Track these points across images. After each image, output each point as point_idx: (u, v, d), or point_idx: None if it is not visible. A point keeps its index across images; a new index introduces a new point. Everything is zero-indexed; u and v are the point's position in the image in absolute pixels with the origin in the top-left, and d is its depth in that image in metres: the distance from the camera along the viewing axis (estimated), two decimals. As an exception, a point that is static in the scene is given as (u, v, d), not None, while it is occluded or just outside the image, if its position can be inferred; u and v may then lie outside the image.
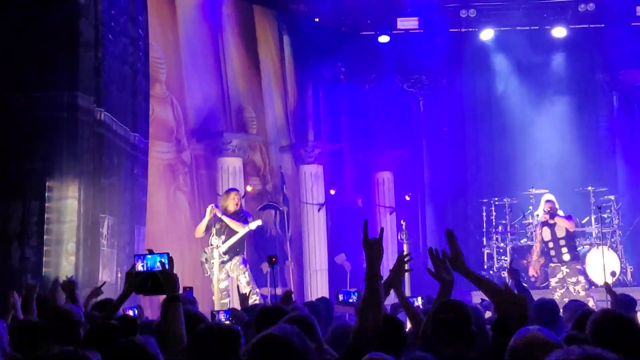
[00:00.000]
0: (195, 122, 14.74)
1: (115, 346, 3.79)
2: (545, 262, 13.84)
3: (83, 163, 9.57)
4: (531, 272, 14.55)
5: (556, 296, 12.86)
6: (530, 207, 15.51)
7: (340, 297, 7.03)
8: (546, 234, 13.57)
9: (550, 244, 13.51)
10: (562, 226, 13.40)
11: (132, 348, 3.74)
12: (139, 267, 4.75)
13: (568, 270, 13.23)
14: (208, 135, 14.75)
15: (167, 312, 4.39)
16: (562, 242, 13.45)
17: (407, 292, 11.56)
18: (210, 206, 12.40)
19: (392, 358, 3.66)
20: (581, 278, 13.26)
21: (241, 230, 12.24)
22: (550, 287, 13.42)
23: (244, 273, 12.17)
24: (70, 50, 9.59)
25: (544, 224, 13.51)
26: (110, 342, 3.99)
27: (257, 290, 12.31)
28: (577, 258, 13.56)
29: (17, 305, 6.35)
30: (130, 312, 7.68)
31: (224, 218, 12.22)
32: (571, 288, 13.17)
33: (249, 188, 14.80)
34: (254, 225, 12.44)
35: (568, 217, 13.58)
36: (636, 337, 3.87)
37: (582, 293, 12.89)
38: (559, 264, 13.35)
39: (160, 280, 4.55)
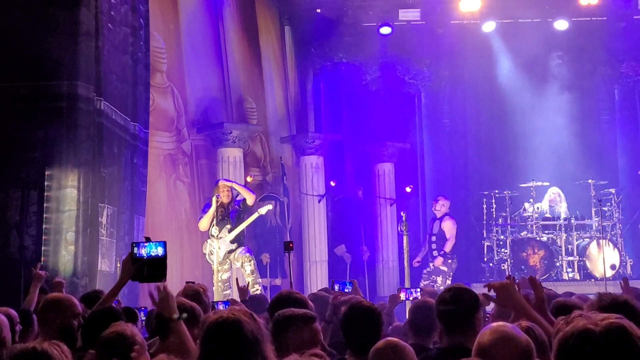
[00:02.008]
0: (196, 113, 14.73)
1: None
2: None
3: (83, 152, 9.57)
4: (531, 262, 14.72)
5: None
6: (531, 200, 15.52)
7: (336, 287, 7.05)
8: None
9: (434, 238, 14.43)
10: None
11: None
12: (142, 252, 4.77)
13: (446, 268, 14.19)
14: (208, 125, 14.74)
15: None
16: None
17: (407, 284, 11.59)
18: (214, 197, 12.29)
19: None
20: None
21: (251, 199, 12.25)
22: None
23: (250, 261, 12.17)
24: (70, 40, 9.58)
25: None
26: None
27: (260, 280, 12.33)
28: None
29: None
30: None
31: (235, 186, 12.19)
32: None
33: (249, 179, 14.80)
34: (264, 210, 12.44)
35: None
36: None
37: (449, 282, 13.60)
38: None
39: (155, 268, 4.58)
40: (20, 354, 3.37)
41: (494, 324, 3.25)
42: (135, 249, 4.72)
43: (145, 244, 4.72)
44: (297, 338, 4.14)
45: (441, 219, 14.45)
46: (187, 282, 6.46)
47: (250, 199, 12.33)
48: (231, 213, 12.30)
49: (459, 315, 4.32)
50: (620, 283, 7.07)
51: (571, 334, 2.45)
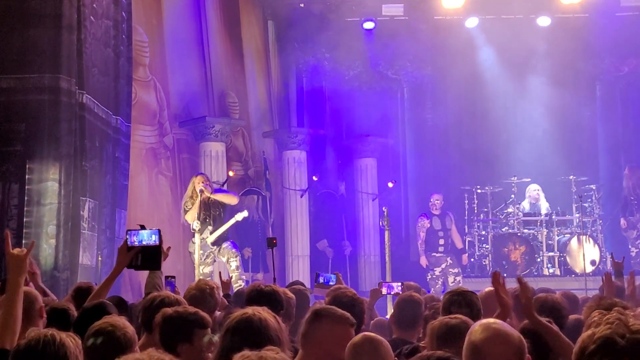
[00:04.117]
0: (178, 107, 14.73)
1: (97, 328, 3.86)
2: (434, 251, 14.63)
3: (64, 146, 9.56)
4: (512, 258, 14.83)
5: (439, 285, 14.15)
6: (512, 196, 15.60)
7: (321, 280, 7.09)
8: (436, 223, 14.58)
9: (440, 234, 14.51)
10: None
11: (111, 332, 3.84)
12: (135, 240, 4.79)
13: (452, 261, 14.44)
14: (191, 119, 14.74)
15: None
16: (449, 233, 14.62)
17: (388, 278, 11.63)
18: (199, 190, 12.14)
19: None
20: (460, 270, 14.51)
21: (234, 200, 12.22)
22: (435, 276, 14.36)
23: (236, 257, 12.14)
24: (52, 32, 9.56)
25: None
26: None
27: (243, 277, 12.33)
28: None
29: None
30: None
31: (213, 196, 12.05)
32: (450, 278, 14.30)
33: (231, 173, 14.81)
34: (240, 216, 12.40)
35: None
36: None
37: (461, 284, 13.68)
38: (443, 254, 14.45)
39: (150, 255, 4.63)
40: (37, 339, 3.38)
41: (485, 321, 3.14)
42: (129, 237, 4.73)
43: (139, 232, 4.74)
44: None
45: (442, 215, 14.65)
46: (166, 277, 6.48)
47: (232, 200, 12.26)
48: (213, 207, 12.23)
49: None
50: (603, 278, 6.94)
51: (596, 338, 2.31)
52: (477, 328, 3.06)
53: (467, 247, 15.48)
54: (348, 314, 4.02)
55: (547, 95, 17.37)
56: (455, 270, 14.37)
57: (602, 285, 6.89)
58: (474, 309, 4.82)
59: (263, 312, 3.56)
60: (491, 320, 3.18)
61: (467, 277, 14.87)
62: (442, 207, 14.74)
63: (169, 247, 5.30)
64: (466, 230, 16.02)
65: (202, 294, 5.47)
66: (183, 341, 4.05)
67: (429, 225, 14.57)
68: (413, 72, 17.56)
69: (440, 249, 14.52)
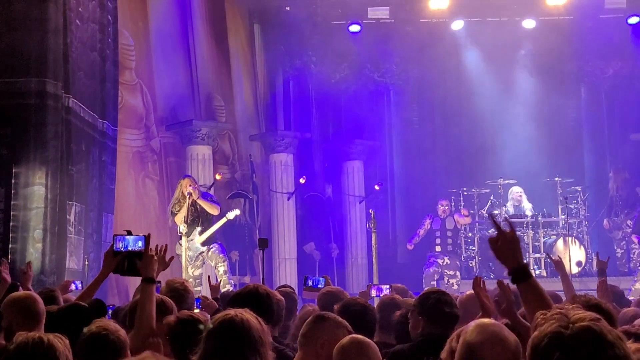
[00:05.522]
0: (165, 110, 14.72)
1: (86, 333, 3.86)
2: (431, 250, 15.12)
3: (50, 150, 9.53)
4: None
5: (432, 283, 14.33)
6: (491, 198, 15.73)
7: (309, 283, 7.09)
8: (436, 223, 15.06)
9: (437, 233, 15.02)
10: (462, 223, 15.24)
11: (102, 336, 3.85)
12: (121, 246, 4.78)
13: (449, 262, 14.83)
14: (177, 123, 14.73)
15: (140, 292, 4.56)
16: (449, 234, 15.01)
17: (375, 280, 11.64)
18: (187, 193, 12.09)
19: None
20: (458, 273, 14.82)
21: (215, 212, 12.19)
22: (429, 274, 14.74)
23: (224, 262, 12.16)
24: (38, 36, 9.54)
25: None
26: (81, 325, 4.02)
27: (231, 281, 12.34)
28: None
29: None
30: (73, 286, 7.73)
31: (200, 202, 12.02)
32: (445, 279, 14.70)
33: (218, 176, 14.81)
34: (232, 215, 12.40)
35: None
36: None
37: (455, 287, 14.16)
38: (440, 254, 14.94)
39: (136, 262, 4.62)
40: (25, 342, 3.39)
41: (479, 321, 3.08)
42: (115, 242, 4.74)
43: (126, 238, 4.74)
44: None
45: (445, 218, 15.11)
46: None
47: (214, 211, 12.25)
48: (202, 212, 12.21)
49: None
50: (599, 285, 6.63)
51: (543, 336, 2.37)
52: (473, 328, 3.00)
53: (463, 250, 15.57)
54: (346, 323, 4.15)
55: (532, 97, 17.44)
56: (451, 272, 14.58)
57: (598, 293, 6.66)
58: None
59: (245, 314, 3.56)
60: (487, 320, 3.13)
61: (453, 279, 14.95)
62: (449, 211, 15.31)
63: (172, 258, 5.21)
64: (454, 233, 16.06)
65: (177, 294, 5.43)
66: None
67: (429, 226, 15.07)
68: (399, 74, 17.57)
69: (438, 248, 15.00)
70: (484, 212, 15.78)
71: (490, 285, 5.07)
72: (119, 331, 3.95)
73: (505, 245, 3.50)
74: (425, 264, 15.00)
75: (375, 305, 5.91)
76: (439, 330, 4.63)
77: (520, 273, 3.44)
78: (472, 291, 4.84)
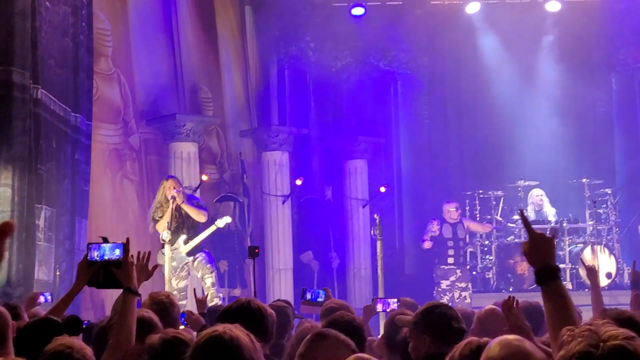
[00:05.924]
0: (145, 103, 14.73)
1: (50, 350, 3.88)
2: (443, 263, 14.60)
3: (17, 147, 9.54)
4: (519, 271, 14.87)
5: (445, 299, 13.75)
6: (501, 201, 15.70)
7: (308, 296, 7.07)
8: (447, 231, 14.50)
9: (450, 243, 14.48)
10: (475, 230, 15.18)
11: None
12: (95, 255, 4.77)
13: (461, 274, 14.46)
14: (159, 117, 14.75)
15: (120, 305, 4.53)
16: (461, 244, 14.60)
17: (381, 294, 11.65)
18: (170, 196, 12.07)
19: None
20: (470, 285, 14.54)
21: (202, 219, 12.16)
22: (441, 289, 14.36)
23: (211, 274, 12.08)
24: (3, 20, 9.55)
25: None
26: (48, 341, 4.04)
27: (220, 294, 12.32)
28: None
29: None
30: (42, 298, 7.74)
31: (184, 206, 11.98)
32: (456, 294, 14.34)
33: (204, 177, 14.81)
34: (221, 222, 12.38)
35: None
36: None
37: (468, 300, 13.99)
38: (453, 266, 14.44)
39: (113, 273, 4.60)
40: None
41: (502, 337, 3.06)
42: (89, 252, 4.72)
43: (101, 246, 4.72)
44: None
45: (455, 224, 14.59)
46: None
47: (201, 218, 12.19)
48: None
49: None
50: (633, 299, 6.63)
51: (570, 356, 2.36)
52: (496, 344, 3.00)
53: (468, 259, 15.54)
54: (350, 341, 4.07)
55: (557, 88, 17.46)
56: (463, 285, 14.32)
57: (632, 307, 6.69)
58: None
59: (235, 330, 3.57)
60: (511, 336, 3.10)
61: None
62: (459, 215, 14.73)
63: (156, 266, 5.24)
64: (467, 240, 16.08)
65: (162, 307, 5.44)
66: None
67: (438, 232, 14.44)
68: (408, 63, 17.60)
69: (450, 260, 14.43)
70: (498, 217, 15.80)
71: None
72: (84, 349, 3.94)
73: (540, 244, 3.47)
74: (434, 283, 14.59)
75: (384, 322, 5.93)
76: (448, 349, 4.63)
77: (548, 273, 3.41)
78: (492, 306, 4.84)
